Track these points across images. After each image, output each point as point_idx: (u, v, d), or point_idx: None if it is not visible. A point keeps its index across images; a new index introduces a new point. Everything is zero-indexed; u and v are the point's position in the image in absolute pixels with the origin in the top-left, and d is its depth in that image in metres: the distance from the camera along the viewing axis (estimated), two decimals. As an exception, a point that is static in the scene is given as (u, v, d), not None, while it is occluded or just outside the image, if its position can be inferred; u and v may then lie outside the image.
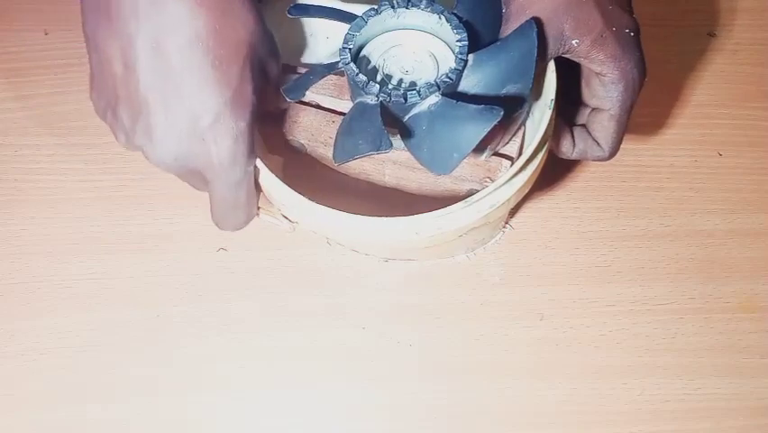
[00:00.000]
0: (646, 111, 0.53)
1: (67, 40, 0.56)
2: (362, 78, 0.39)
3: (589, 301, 0.47)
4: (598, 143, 0.43)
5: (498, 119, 0.36)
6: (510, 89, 0.39)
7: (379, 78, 0.41)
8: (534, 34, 0.38)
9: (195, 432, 0.44)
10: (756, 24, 0.57)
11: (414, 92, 0.38)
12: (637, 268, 0.48)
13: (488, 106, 0.37)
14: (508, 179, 0.39)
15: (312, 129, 0.44)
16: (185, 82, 0.36)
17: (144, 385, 0.45)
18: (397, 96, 0.38)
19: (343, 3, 0.46)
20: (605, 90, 0.41)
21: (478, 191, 0.40)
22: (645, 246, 0.48)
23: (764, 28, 0.57)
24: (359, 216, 0.38)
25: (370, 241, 0.44)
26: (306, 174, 0.44)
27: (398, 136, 0.40)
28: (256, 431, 0.44)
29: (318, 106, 0.44)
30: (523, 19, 0.39)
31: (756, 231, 0.49)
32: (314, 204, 0.39)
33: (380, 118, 0.38)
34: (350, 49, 0.40)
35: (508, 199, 0.40)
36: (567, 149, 0.44)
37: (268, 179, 0.40)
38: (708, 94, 0.54)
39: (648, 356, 0.45)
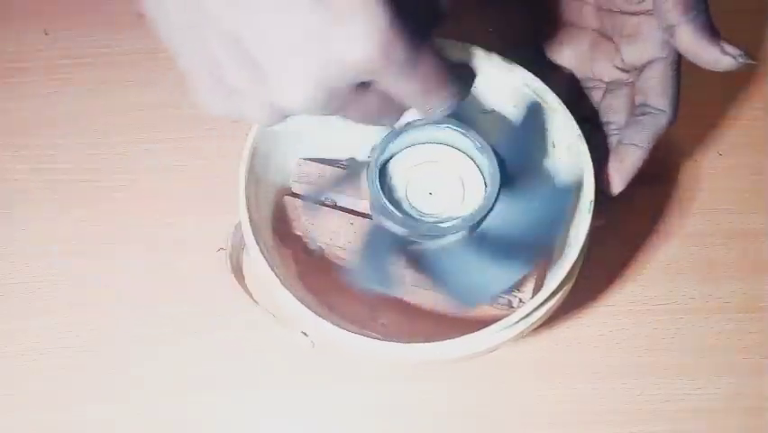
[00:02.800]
0: (646, 111, 0.53)
1: (67, 39, 0.56)
2: (389, 207, 0.38)
3: (589, 301, 0.47)
4: (653, 109, 0.40)
5: (528, 271, 0.36)
6: (539, 234, 0.38)
7: (400, 201, 0.40)
8: (571, 196, 0.38)
9: (195, 432, 0.44)
10: (756, 24, 0.57)
11: (441, 226, 0.37)
12: (638, 268, 0.48)
13: (520, 256, 0.36)
14: (550, 295, 0.37)
15: (330, 232, 0.42)
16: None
17: (144, 385, 0.45)
18: (423, 230, 0.37)
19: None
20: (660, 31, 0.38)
21: (504, 298, 0.40)
22: (645, 246, 0.48)
23: (764, 28, 0.57)
24: (381, 341, 0.37)
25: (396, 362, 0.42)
26: (322, 277, 0.43)
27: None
28: (256, 431, 0.44)
29: (335, 206, 0.43)
30: None
31: (756, 231, 0.49)
32: (335, 327, 0.36)
33: (396, 258, 0.37)
34: (376, 163, 0.38)
35: (548, 312, 0.38)
36: (618, 180, 0.41)
37: (287, 299, 0.37)
38: (708, 94, 0.54)
39: (648, 356, 0.45)
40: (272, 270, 0.38)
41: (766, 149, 0.52)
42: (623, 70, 0.43)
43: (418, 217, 0.39)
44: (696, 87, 0.55)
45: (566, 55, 0.45)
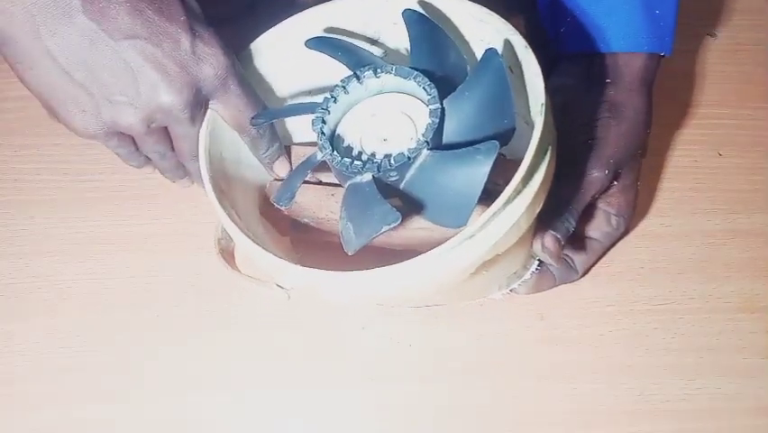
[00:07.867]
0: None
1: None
2: (346, 161, 0.38)
3: (589, 301, 0.47)
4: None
5: (496, 153, 0.35)
6: (497, 122, 0.38)
7: (359, 153, 0.40)
8: (500, 58, 0.37)
9: (195, 432, 0.44)
10: (756, 24, 0.57)
11: (402, 156, 0.37)
12: (637, 268, 0.48)
13: (482, 144, 0.36)
14: (508, 199, 0.35)
15: (313, 206, 0.43)
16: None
17: (144, 385, 0.45)
18: (386, 166, 0.37)
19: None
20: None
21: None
22: (645, 246, 0.48)
23: (764, 28, 0.57)
24: (336, 271, 0.36)
25: (363, 295, 0.41)
26: (317, 251, 0.43)
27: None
28: (256, 431, 0.44)
29: (319, 183, 0.44)
30: None
31: (756, 231, 0.49)
32: (298, 267, 0.36)
33: (378, 193, 0.37)
34: (323, 133, 0.39)
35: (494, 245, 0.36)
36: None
37: (253, 250, 0.37)
38: (708, 94, 0.54)
39: (648, 356, 0.45)
40: (240, 228, 0.38)
41: (766, 149, 0.52)
42: None
43: (380, 159, 0.39)
44: (696, 87, 0.55)
45: None
